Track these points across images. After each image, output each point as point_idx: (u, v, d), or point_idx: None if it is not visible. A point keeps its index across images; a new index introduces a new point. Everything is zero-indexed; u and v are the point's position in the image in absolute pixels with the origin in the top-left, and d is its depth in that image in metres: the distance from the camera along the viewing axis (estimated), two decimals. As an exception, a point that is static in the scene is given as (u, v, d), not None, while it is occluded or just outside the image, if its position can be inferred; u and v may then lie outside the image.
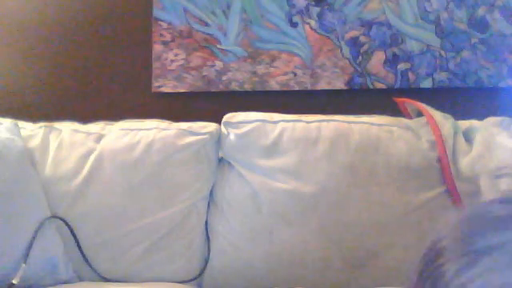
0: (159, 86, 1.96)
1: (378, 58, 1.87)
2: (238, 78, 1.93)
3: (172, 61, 1.95)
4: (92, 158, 1.53)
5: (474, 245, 0.44)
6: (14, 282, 1.33)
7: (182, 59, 1.95)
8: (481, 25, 1.83)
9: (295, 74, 1.90)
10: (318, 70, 1.89)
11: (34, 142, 1.58)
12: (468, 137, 1.49)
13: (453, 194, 1.40)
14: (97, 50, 2.02)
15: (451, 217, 0.48)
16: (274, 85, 1.91)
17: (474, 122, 1.53)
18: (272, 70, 1.91)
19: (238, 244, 1.48)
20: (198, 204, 1.53)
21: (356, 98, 1.90)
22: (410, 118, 1.57)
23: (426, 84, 1.85)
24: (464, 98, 1.85)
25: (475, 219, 0.46)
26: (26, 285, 1.37)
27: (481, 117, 1.54)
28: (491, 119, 1.51)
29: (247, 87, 1.93)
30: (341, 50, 1.88)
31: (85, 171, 1.52)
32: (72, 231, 1.48)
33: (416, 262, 0.49)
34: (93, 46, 2.02)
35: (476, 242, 0.44)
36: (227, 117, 1.55)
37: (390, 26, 1.86)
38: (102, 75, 2.02)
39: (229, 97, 1.94)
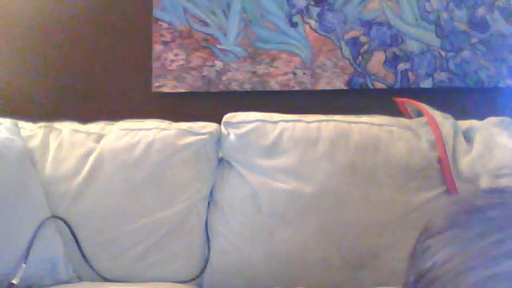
0: (159, 86, 1.96)
1: (378, 58, 1.87)
2: (238, 77, 1.93)
3: (172, 61, 1.95)
4: (92, 158, 1.53)
5: (446, 224, 0.53)
6: (14, 281, 1.33)
7: (182, 59, 1.95)
8: (481, 25, 1.83)
9: (295, 74, 1.91)
10: (318, 69, 1.89)
11: (34, 142, 1.58)
12: (468, 137, 1.49)
13: (453, 194, 1.40)
14: (97, 50, 2.02)
15: (442, 203, 0.56)
16: (274, 85, 1.91)
17: (474, 122, 1.53)
18: (272, 69, 1.91)
19: (238, 244, 1.48)
20: (198, 204, 1.53)
21: (356, 98, 1.90)
22: (410, 117, 1.57)
23: (426, 84, 1.85)
24: (464, 98, 1.85)
25: (456, 205, 0.54)
26: (25, 285, 1.37)
27: (481, 117, 1.54)
28: (491, 119, 1.51)
29: (247, 87, 1.93)
30: (341, 50, 1.89)
31: (85, 171, 1.52)
32: (72, 231, 1.48)
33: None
34: (93, 46, 2.02)
35: (448, 222, 0.53)
36: (227, 117, 1.55)
37: (390, 26, 1.86)
38: (102, 75, 2.02)
39: (229, 97, 1.94)
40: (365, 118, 1.53)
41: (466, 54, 1.83)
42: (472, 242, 0.48)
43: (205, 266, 1.51)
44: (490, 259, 0.45)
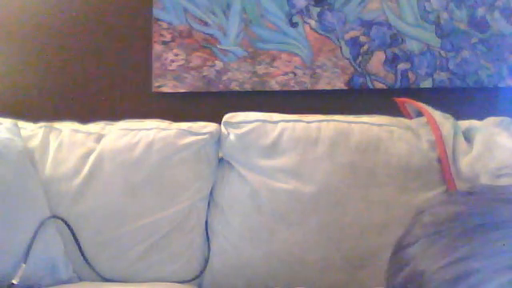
0: (159, 86, 1.96)
1: (378, 58, 1.87)
2: (238, 77, 1.93)
3: (172, 61, 1.95)
4: (92, 158, 1.53)
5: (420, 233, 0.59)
6: (13, 281, 1.33)
7: (182, 59, 1.95)
8: (481, 25, 1.83)
9: (295, 74, 1.91)
10: (318, 69, 1.89)
11: (34, 142, 1.58)
12: (468, 137, 1.49)
13: (453, 194, 1.40)
14: (97, 50, 2.02)
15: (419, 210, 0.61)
16: (274, 85, 1.92)
17: (474, 122, 1.53)
18: (272, 70, 1.91)
19: (238, 244, 1.48)
20: (198, 204, 1.53)
21: (356, 98, 1.90)
22: (410, 117, 1.57)
23: (426, 84, 1.85)
24: (464, 98, 1.85)
25: (431, 214, 0.60)
26: (25, 285, 1.37)
27: (481, 117, 1.54)
28: (491, 119, 1.51)
29: (247, 87, 1.93)
30: (341, 50, 1.89)
31: (85, 171, 1.52)
32: (72, 231, 1.48)
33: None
34: (93, 46, 2.02)
35: (422, 232, 0.58)
36: (227, 117, 1.55)
37: (389, 26, 1.86)
38: (102, 75, 2.02)
39: (229, 97, 1.95)
40: (365, 118, 1.53)
41: (466, 53, 1.83)
42: (437, 258, 0.52)
43: (205, 266, 1.51)
44: (447, 282, 0.50)
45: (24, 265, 1.36)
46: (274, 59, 1.91)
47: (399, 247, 0.58)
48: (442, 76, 1.85)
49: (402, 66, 1.86)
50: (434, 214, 0.57)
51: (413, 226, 0.58)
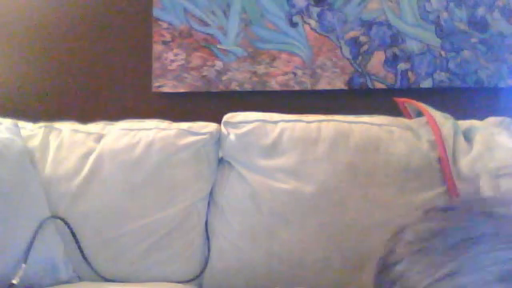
0: (159, 86, 1.96)
1: (378, 58, 1.87)
2: (238, 77, 1.93)
3: (172, 61, 1.95)
4: (92, 158, 1.53)
5: (408, 250, 0.58)
6: (14, 281, 1.33)
7: (182, 59, 1.95)
8: (481, 25, 1.83)
9: (295, 74, 1.91)
10: (318, 69, 1.89)
11: (34, 142, 1.58)
12: (468, 137, 1.49)
13: (453, 194, 1.40)
14: (97, 50, 2.02)
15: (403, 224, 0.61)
16: (273, 85, 1.92)
17: (474, 122, 1.53)
18: (272, 69, 1.91)
19: (238, 244, 1.47)
20: (198, 204, 1.53)
21: (356, 98, 1.90)
22: (410, 118, 1.57)
23: (426, 84, 1.85)
24: (464, 98, 1.85)
25: (415, 230, 0.59)
26: (26, 285, 1.37)
27: (481, 117, 1.54)
28: (491, 119, 1.51)
29: (247, 87, 1.93)
30: (341, 50, 1.89)
31: (85, 171, 1.52)
32: (72, 231, 1.48)
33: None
34: (93, 46, 2.02)
35: (409, 248, 0.58)
36: (227, 117, 1.55)
37: (390, 26, 1.86)
38: (102, 75, 2.02)
39: (229, 97, 1.95)
40: (365, 118, 1.53)
41: (466, 53, 1.84)
42: (425, 275, 0.52)
43: (205, 266, 1.51)
44: None
45: (24, 265, 1.36)
46: (274, 59, 1.91)
47: (384, 266, 0.58)
48: (442, 76, 1.85)
49: (402, 65, 1.86)
50: (416, 231, 0.57)
51: (395, 245, 0.57)
